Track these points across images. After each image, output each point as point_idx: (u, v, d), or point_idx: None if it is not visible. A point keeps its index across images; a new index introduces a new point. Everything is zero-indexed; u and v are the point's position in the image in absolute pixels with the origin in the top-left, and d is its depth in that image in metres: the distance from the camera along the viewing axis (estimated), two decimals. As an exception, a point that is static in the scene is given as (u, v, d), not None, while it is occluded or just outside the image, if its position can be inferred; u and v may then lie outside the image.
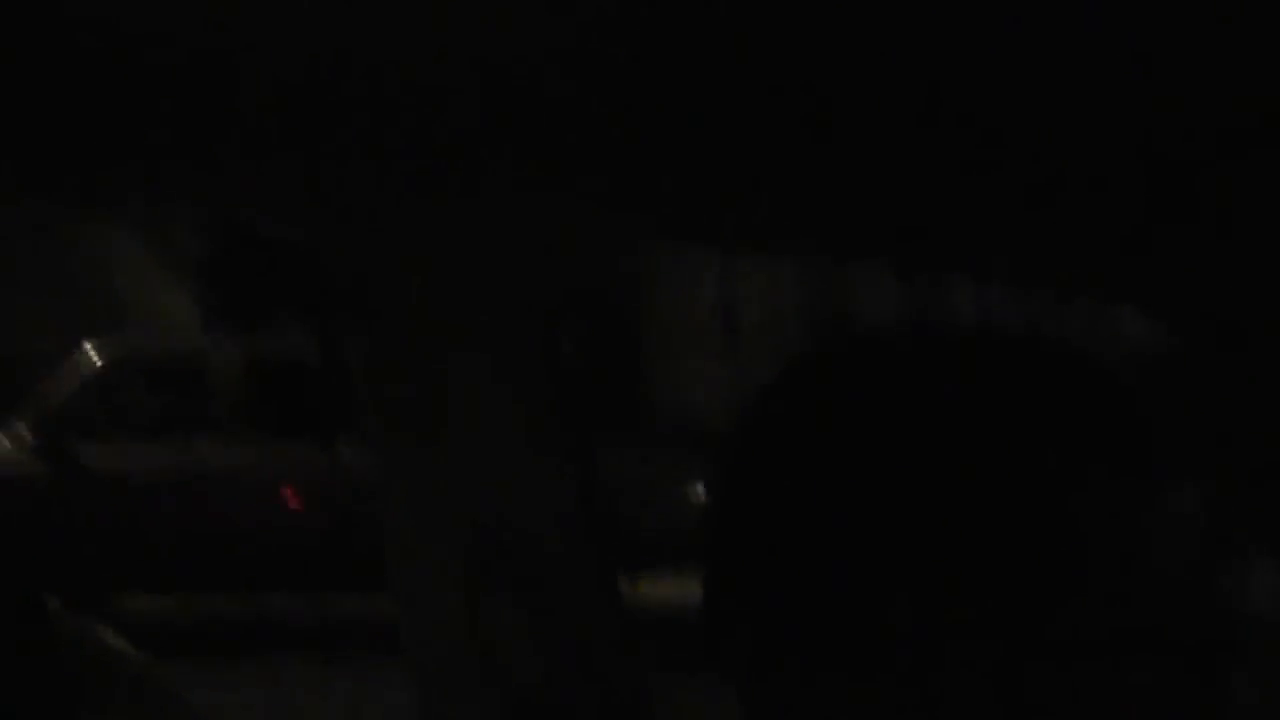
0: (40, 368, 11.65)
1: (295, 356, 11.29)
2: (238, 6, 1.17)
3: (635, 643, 1.58)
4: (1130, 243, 1.43)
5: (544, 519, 1.51)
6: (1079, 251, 1.49)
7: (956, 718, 0.80)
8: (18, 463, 10.68)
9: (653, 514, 10.08)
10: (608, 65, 1.24)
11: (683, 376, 15.14)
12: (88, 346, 11.37)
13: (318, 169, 1.44)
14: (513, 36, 1.21)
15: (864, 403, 0.85)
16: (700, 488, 11.05)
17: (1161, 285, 1.48)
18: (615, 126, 1.36)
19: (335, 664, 8.19)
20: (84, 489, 10.64)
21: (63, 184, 1.56)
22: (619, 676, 1.56)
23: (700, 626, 0.89)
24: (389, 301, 1.49)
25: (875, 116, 1.29)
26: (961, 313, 16.85)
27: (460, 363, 1.50)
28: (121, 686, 1.08)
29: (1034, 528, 0.81)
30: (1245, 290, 1.40)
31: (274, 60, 1.26)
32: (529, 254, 1.51)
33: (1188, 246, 1.38)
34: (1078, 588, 0.80)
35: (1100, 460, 0.83)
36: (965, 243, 1.52)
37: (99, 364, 11.25)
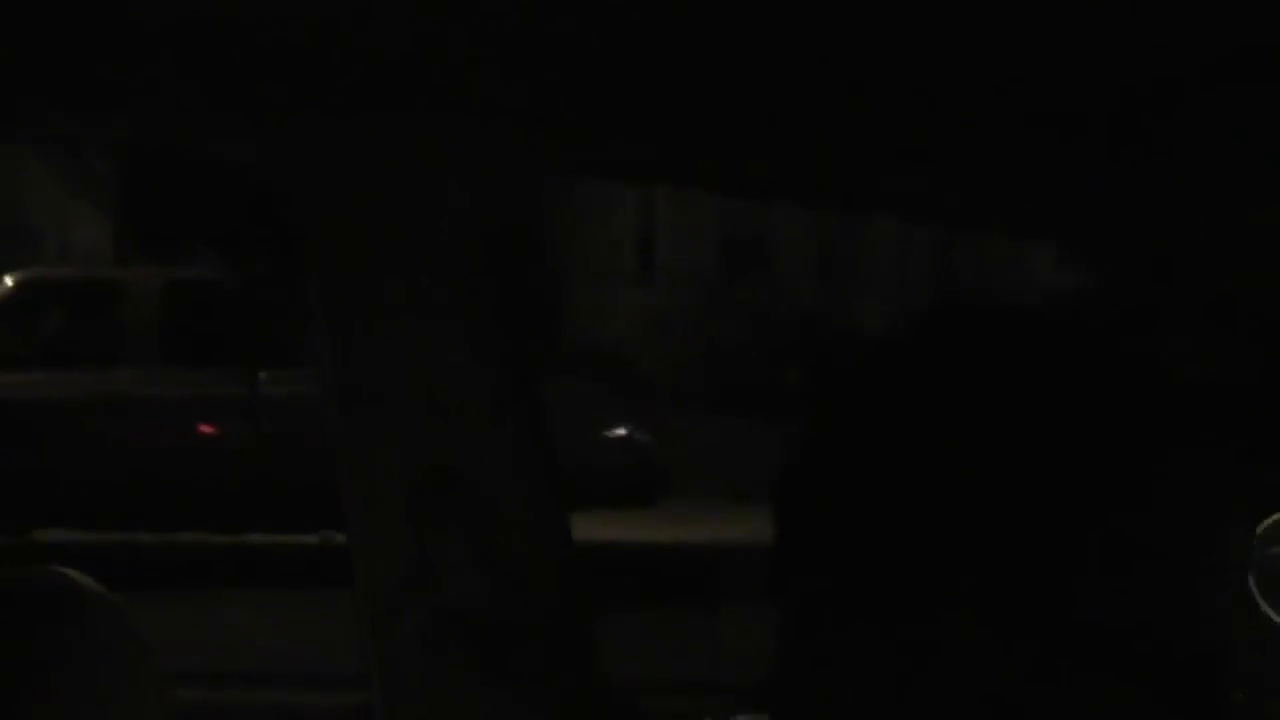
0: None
1: (214, 283, 11.20)
2: None
3: (580, 576, 1.60)
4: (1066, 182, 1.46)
5: (490, 453, 1.53)
6: (1000, 189, 1.51)
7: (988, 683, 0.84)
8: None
9: (572, 450, 10.08)
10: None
11: (599, 307, 15.18)
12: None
13: (264, 92, 1.45)
14: None
15: (958, 373, 0.88)
16: (621, 428, 11.08)
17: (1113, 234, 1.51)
18: (539, 59, 1.38)
19: (256, 597, 8.18)
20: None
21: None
22: (564, 609, 1.59)
23: (769, 563, 0.91)
24: (340, 234, 1.50)
25: (789, 51, 1.31)
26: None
27: (407, 300, 1.51)
28: (94, 625, 1.08)
29: (1099, 509, 0.84)
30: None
31: None
32: (472, 188, 1.52)
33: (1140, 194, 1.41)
34: (1122, 571, 0.83)
35: (1162, 449, 0.86)
36: (890, 180, 1.54)
37: (9, 288, 11.06)
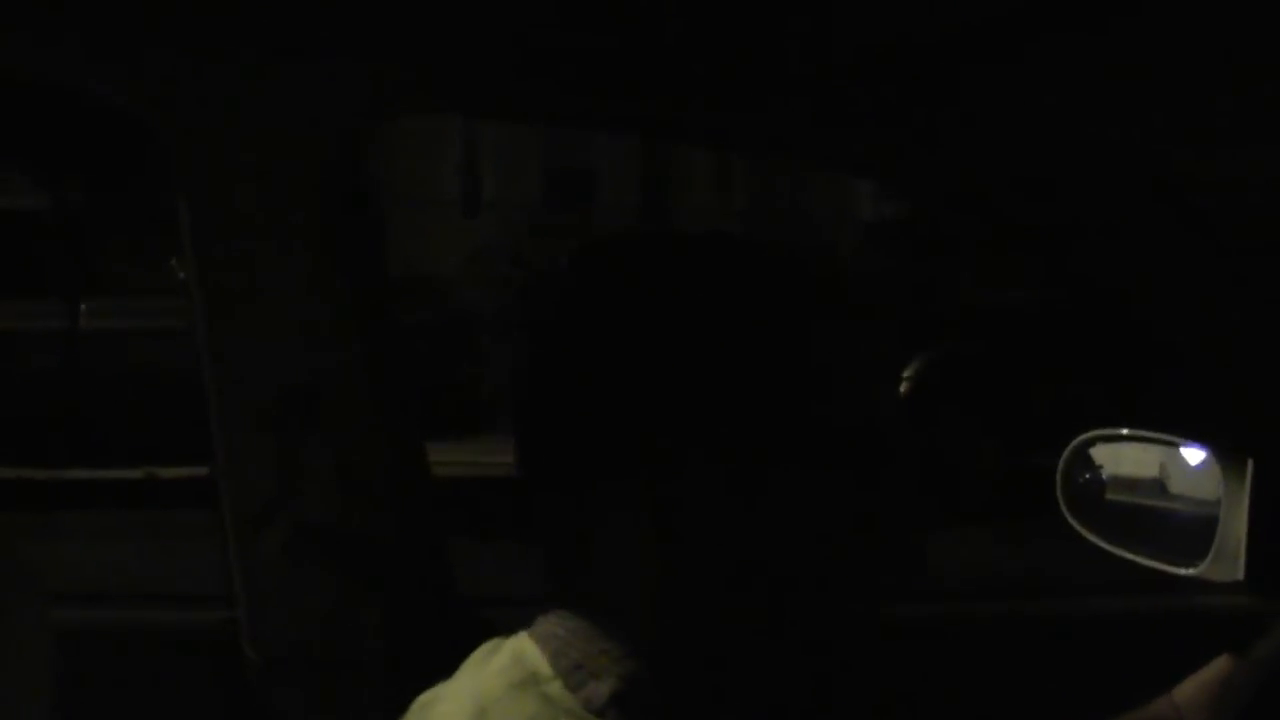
0: None
1: (29, 212, 10.94)
2: None
3: (432, 493, 1.67)
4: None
5: (349, 374, 1.60)
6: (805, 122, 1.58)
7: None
8: None
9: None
10: None
11: (423, 237, 15.09)
12: None
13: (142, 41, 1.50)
14: None
15: (634, 290, 1.02)
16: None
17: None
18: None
19: (87, 528, 8.07)
20: None
21: None
22: (416, 524, 1.66)
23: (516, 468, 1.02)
24: (206, 162, 1.55)
25: None
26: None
27: (270, 225, 1.57)
28: None
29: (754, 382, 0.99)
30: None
31: None
32: (328, 126, 1.57)
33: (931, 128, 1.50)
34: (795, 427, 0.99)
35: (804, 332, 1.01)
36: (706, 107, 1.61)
37: None
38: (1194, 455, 1.66)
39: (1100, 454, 1.75)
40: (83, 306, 10.33)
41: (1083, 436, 1.75)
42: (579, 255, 1.06)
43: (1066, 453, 1.74)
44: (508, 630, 1.09)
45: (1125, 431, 1.72)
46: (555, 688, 1.00)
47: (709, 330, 0.99)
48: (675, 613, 0.99)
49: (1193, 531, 1.63)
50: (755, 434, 0.97)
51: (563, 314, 1.03)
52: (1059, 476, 1.73)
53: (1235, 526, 1.60)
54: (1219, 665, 1.37)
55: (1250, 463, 1.59)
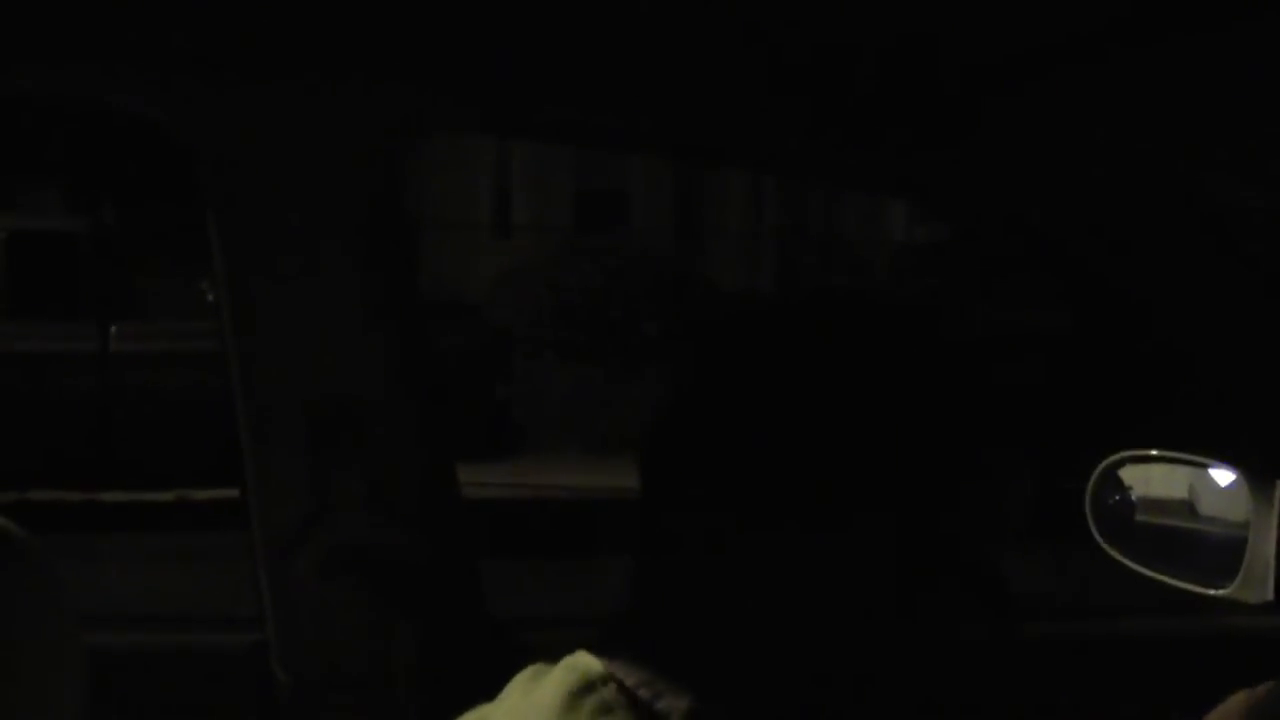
0: None
1: (62, 232, 10.95)
2: None
3: (465, 513, 1.68)
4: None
5: (383, 393, 1.60)
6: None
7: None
8: None
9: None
10: None
11: (455, 259, 15.11)
12: None
13: (176, 52, 1.51)
14: None
15: (765, 353, 1.05)
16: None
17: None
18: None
19: (117, 550, 8.08)
20: None
21: None
22: (450, 543, 1.66)
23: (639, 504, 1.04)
24: (239, 179, 1.56)
25: None
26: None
27: (304, 244, 1.57)
28: (19, 567, 1.12)
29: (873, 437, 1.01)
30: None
31: None
32: (362, 144, 1.58)
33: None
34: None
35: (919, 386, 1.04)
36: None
37: None
38: (1223, 476, 1.66)
39: (1130, 475, 1.75)
40: (113, 329, 10.35)
41: (1112, 458, 1.74)
42: (770, 312, 1.11)
43: (1096, 474, 1.74)
44: (540, 649, 1.10)
45: (1155, 453, 1.72)
46: (617, 699, 1.00)
47: (868, 382, 1.02)
48: (767, 637, 1.01)
49: (1222, 553, 1.63)
50: (871, 474, 1.00)
51: (744, 359, 1.06)
52: (1088, 498, 1.73)
53: (1265, 548, 1.60)
54: (1238, 698, 1.37)
55: (1279, 484, 1.58)
